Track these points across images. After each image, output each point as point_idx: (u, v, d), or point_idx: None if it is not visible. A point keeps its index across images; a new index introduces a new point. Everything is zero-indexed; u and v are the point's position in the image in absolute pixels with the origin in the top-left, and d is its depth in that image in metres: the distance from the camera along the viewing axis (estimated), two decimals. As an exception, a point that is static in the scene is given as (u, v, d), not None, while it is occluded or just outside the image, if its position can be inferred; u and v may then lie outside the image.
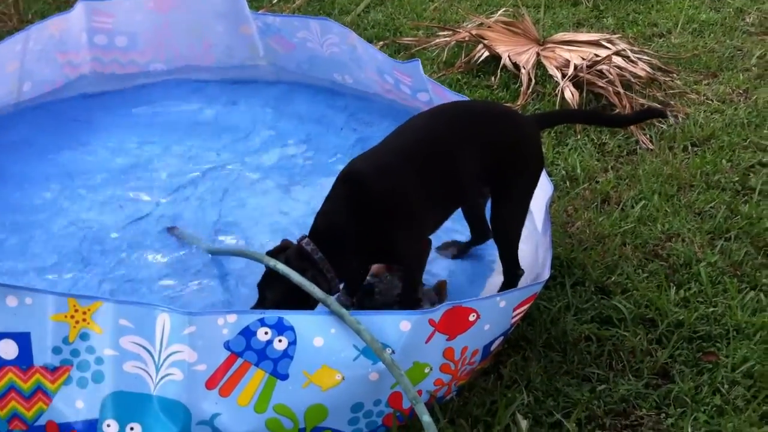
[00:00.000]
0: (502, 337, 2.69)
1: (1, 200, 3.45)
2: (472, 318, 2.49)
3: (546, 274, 2.72)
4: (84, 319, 2.28)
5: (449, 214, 2.95)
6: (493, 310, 2.54)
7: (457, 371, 2.55)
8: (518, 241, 2.96)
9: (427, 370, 2.47)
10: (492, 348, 2.67)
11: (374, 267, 3.02)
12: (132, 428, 2.30)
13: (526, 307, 2.69)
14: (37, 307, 2.27)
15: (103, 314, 2.28)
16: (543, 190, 3.13)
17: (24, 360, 2.29)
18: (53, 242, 3.23)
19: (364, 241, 2.68)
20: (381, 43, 5.00)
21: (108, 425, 2.30)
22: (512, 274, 2.97)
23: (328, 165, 3.79)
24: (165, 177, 3.66)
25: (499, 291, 2.96)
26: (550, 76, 4.51)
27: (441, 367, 2.50)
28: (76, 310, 2.27)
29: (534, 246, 3.16)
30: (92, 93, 4.30)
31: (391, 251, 2.78)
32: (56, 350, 2.29)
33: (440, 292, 3.00)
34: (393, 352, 2.36)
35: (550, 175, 3.65)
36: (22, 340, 2.28)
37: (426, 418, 2.25)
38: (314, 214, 2.76)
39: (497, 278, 3.08)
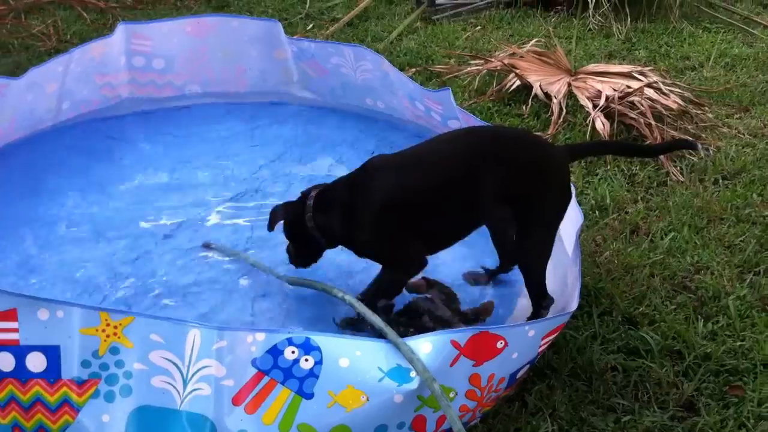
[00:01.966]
0: (528, 365, 2.69)
1: (36, 215, 3.51)
2: (500, 345, 2.49)
3: (574, 305, 2.71)
4: (115, 333, 2.31)
5: (461, 234, 2.97)
6: (522, 339, 2.54)
7: (482, 398, 2.55)
8: (544, 271, 2.95)
9: (452, 395, 2.47)
10: (518, 376, 2.66)
11: (414, 283, 3.04)
12: (157, 443, 2.33)
13: (553, 336, 2.69)
14: (67, 320, 2.30)
15: (135, 329, 2.31)
16: (573, 219, 3.14)
17: (52, 373, 2.32)
18: (86, 257, 3.28)
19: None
20: (413, 70, 5.05)
21: (133, 439, 2.33)
22: (538, 303, 2.96)
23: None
24: (198, 196, 3.70)
25: (528, 320, 2.97)
26: (581, 107, 4.52)
27: (467, 393, 2.50)
28: (108, 324, 2.30)
29: (563, 274, 3.16)
30: (129, 113, 4.38)
31: (376, 250, 2.91)
32: (85, 363, 2.32)
33: (484, 312, 2.99)
34: (417, 374, 2.37)
35: (579, 204, 3.65)
36: (52, 353, 2.32)
37: None
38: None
39: (526, 301, 3.08)
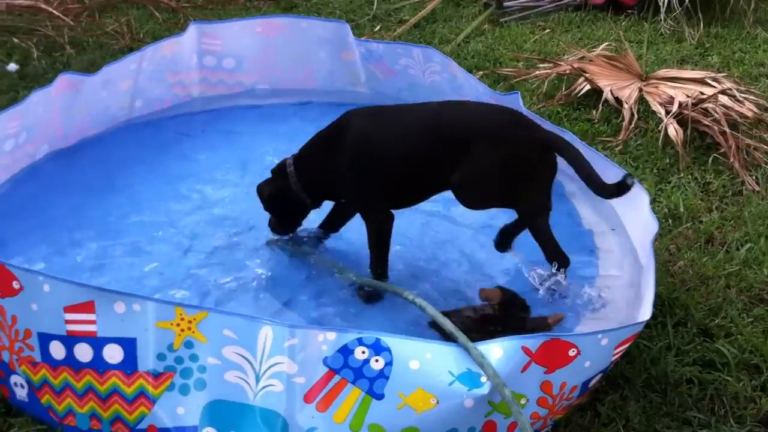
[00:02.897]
0: (601, 374, 2.64)
1: (109, 210, 3.57)
2: (572, 353, 2.45)
3: (648, 314, 2.66)
4: (189, 328, 2.33)
5: (423, 195, 3.18)
6: (595, 347, 2.50)
7: (554, 406, 2.51)
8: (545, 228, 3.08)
9: (523, 402, 2.44)
10: (590, 385, 2.62)
11: (488, 292, 3.03)
12: (230, 437, 2.34)
13: (626, 345, 2.64)
14: (143, 314, 2.34)
15: (208, 324, 2.33)
16: (647, 227, 3.08)
17: (129, 365, 2.36)
18: (158, 252, 3.32)
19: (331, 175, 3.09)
20: (480, 73, 5.01)
21: (207, 433, 2.35)
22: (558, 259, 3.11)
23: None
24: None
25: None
26: (653, 112, 4.44)
27: (538, 400, 2.47)
28: (182, 319, 2.33)
29: (636, 282, 3.11)
30: (199, 111, 4.43)
31: (350, 199, 3.19)
32: (161, 356, 2.35)
33: (554, 323, 2.95)
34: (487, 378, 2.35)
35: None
36: (128, 345, 2.35)
37: None
38: (404, 237, 3.15)
39: (596, 314, 3.04)
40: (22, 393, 2.49)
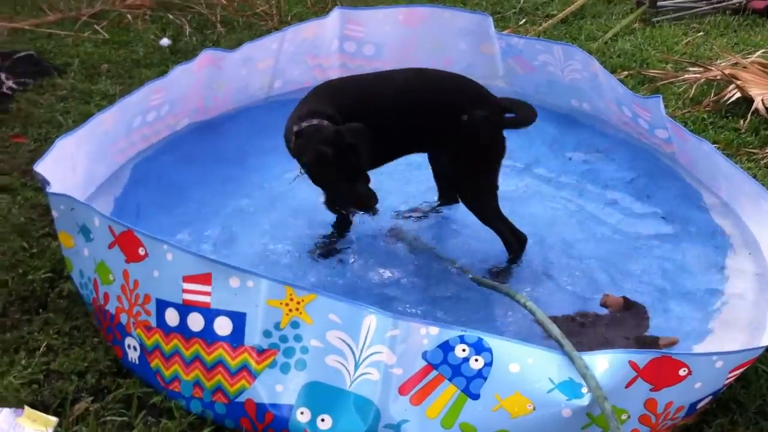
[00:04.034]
0: (711, 397, 2.53)
1: (239, 187, 3.69)
2: (682, 373, 2.36)
3: (769, 338, 2.53)
4: (297, 309, 2.39)
5: (393, 155, 3.24)
6: (708, 369, 2.40)
7: (657, 425, 2.43)
8: (492, 210, 3.16)
9: (624, 417, 2.37)
10: (699, 406, 2.51)
11: (610, 299, 2.98)
12: (323, 419, 2.38)
13: (742, 369, 2.51)
14: (256, 290, 2.41)
15: (316, 307, 2.38)
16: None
17: (236, 338, 2.44)
18: (280, 232, 3.40)
19: None
20: (625, 73, 4.87)
21: (301, 412, 2.39)
22: (508, 243, 3.19)
23: (547, 192, 3.75)
24: (388, 184, 3.67)
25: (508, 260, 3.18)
26: (806, 126, 4.19)
27: (640, 417, 2.40)
28: (291, 299, 2.39)
29: (760, 303, 2.96)
30: (336, 96, 4.49)
31: None
32: (267, 333, 2.42)
33: (665, 345, 2.85)
34: (589, 390, 2.29)
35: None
36: (238, 319, 2.43)
37: None
38: (520, 244, 3.23)
39: (717, 331, 2.92)
40: (134, 355, 2.63)
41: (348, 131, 2.90)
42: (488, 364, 2.34)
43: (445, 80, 3.21)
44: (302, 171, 3.04)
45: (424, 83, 3.18)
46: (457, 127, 3.05)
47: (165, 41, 4.98)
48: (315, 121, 2.96)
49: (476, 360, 2.34)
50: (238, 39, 5.07)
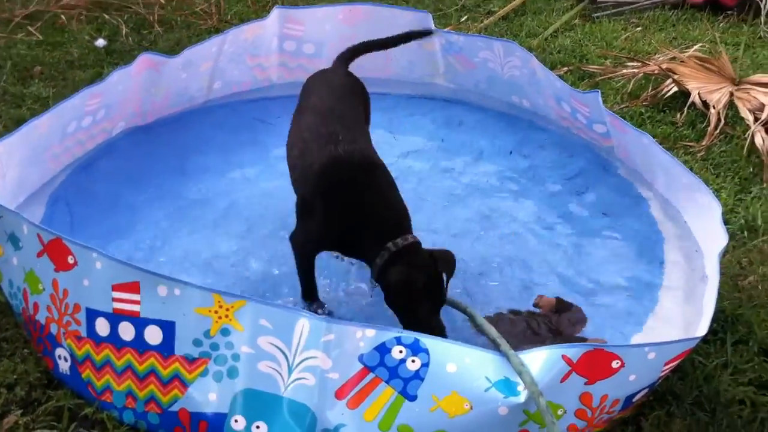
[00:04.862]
0: (647, 389, 2.55)
1: (177, 192, 3.63)
2: (615, 365, 2.37)
3: (704, 330, 2.55)
4: (227, 316, 2.35)
5: None
6: (641, 361, 2.42)
7: (593, 418, 2.44)
8: None
9: (560, 412, 2.38)
10: (635, 399, 2.53)
11: (544, 300, 2.99)
12: (258, 427, 2.35)
13: (677, 361, 2.53)
14: (184, 298, 2.37)
15: (246, 313, 2.35)
16: (716, 239, 2.96)
17: (166, 348, 2.40)
18: (219, 237, 3.36)
19: None
20: (565, 69, 4.89)
21: (236, 420, 2.36)
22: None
23: (491, 187, 3.75)
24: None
25: None
26: (742, 119, 4.25)
27: (576, 412, 2.41)
28: (221, 306, 2.35)
29: (695, 294, 2.99)
30: (276, 97, 4.45)
31: None
32: (197, 342, 2.38)
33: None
34: (525, 387, 2.30)
35: (726, 223, 3.43)
36: (168, 328, 2.39)
37: None
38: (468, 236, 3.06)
39: (653, 324, 2.95)
40: (65, 366, 2.57)
41: (441, 260, 2.70)
42: (425, 364, 2.33)
43: None
44: (373, 284, 2.88)
45: None
46: None
47: (100, 42, 4.88)
48: (410, 238, 2.72)
49: (413, 361, 2.33)
50: (176, 39, 4.99)
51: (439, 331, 2.63)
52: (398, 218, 2.78)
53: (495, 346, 2.50)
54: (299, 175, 2.94)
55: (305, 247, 2.89)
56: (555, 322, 2.89)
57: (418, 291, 2.63)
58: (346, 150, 2.82)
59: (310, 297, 2.93)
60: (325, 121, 2.98)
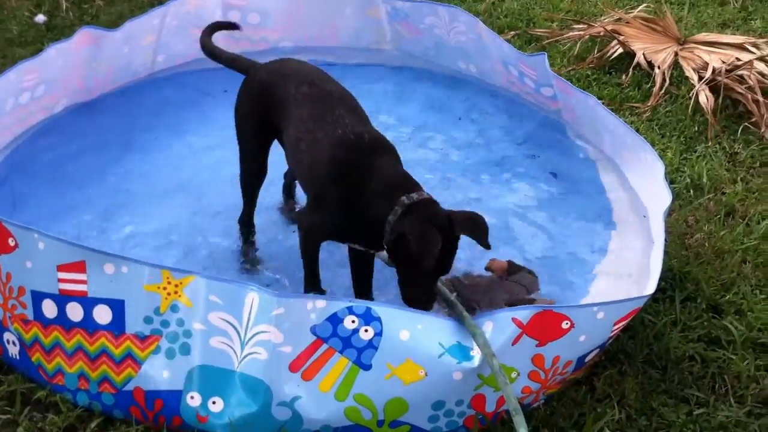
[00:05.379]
0: (598, 350, 2.59)
1: (124, 168, 3.58)
2: (565, 326, 2.40)
3: (652, 288, 2.59)
4: (176, 292, 2.33)
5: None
6: (590, 321, 2.45)
7: (546, 380, 2.47)
8: None
9: (514, 375, 2.41)
10: (587, 360, 2.57)
11: (495, 263, 2.99)
12: (214, 402, 2.35)
13: (627, 320, 2.57)
14: (132, 276, 2.34)
15: (194, 288, 2.33)
16: (661, 198, 2.99)
17: (117, 326, 2.37)
18: (167, 212, 3.32)
19: None
20: (512, 33, 4.89)
21: (192, 397, 2.35)
22: None
23: (436, 156, 3.76)
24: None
25: None
26: (686, 78, 4.29)
27: (530, 374, 2.44)
28: (169, 282, 2.33)
29: (646, 254, 3.03)
30: (222, 68, 4.37)
31: None
32: (147, 320, 2.36)
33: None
34: (478, 351, 2.32)
35: (673, 182, 3.50)
36: (117, 307, 2.36)
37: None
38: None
39: (601, 285, 2.98)
40: (14, 350, 2.53)
41: (460, 223, 2.53)
42: (378, 333, 2.33)
43: None
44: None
45: None
46: None
47: (40, 18, 4.76)
48: (426, 195, 2.58)
49: (366, 330, 2.34)
50: (118, 12, 4.89)
51: (430, 301, 2.57)
52: (412, 182, 2.65)
53: (449, 308, 2.51)
54: (309, 167, 2.76)
55: (316, 232, 2.76)
56: (507, 284, 2.91)
57: (433, 244, 2.40)
58: (356, 133, 2.71)
59: (312, 285, 2.87)
60: (329, 107, 2.82)
